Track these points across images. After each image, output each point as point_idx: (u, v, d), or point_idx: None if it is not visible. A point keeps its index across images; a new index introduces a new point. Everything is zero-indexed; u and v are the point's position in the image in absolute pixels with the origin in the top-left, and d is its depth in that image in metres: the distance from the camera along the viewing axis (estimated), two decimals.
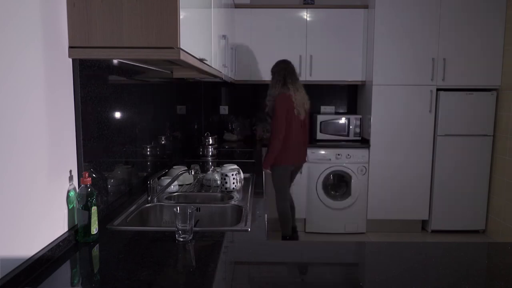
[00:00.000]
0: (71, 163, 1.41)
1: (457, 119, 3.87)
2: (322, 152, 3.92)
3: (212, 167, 2.68)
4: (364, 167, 3.95)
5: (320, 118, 4.13)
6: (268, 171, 3.33)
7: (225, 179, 2.13)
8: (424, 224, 4.14)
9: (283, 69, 3.32)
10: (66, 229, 1.37)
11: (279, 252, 1.35)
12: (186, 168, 2.21)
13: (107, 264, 1.21)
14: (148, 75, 2.32)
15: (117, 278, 1.11)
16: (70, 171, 1.40)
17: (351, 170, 3.94)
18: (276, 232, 4.05)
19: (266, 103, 3.35)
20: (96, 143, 1.59)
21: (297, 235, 3.72)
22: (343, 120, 4.13)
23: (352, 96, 4.51)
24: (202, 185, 2.32)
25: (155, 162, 2.43)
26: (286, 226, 3.50)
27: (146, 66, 2.23)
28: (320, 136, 4.13)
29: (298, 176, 3.92)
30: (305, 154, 3.52)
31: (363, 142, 4.08)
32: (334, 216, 4.01)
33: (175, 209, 1.40)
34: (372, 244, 1.64)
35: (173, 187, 2.16)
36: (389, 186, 3.99)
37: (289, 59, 4.06)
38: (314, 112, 4.48)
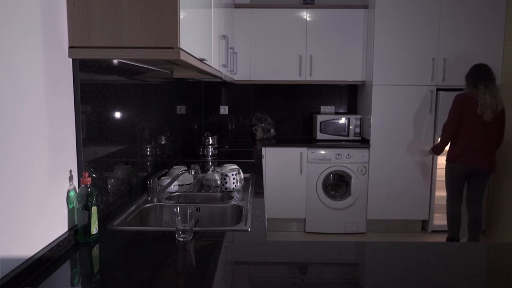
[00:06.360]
0: (71, 163, 1.41)
1: None
2: (322, 152, 3.92)
3: (212, 167, 2.68)
4: (364, 167, 3.95)
5: (320, 118, 4.13)
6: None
7: (225, 179, 2.13)
8: (424, 224, 4.14)
9: (474, 72, 3.29)
10: (66, 229, 1.37)
11: (279, 252, 1.35)
12: (186, 168, 2.21)
13: (107, 264, 1.21)
14: (148, 75, 2.32)
15: (117, 278, 1.11)
16: (70, 171, 1.40)
17: (351, 170, 3.94)
18: (274, 232, 4.05)
19: None
20: (96, 143, 1.59)
21: None
22: (343, 120, 4.13)
23: (352, 96, 4.51)
24: (202, 185, 2.32)
25: (155, 162, 2.43)
26: (451, 228, 3.45)
27: (146, 66, 2.23)
28: (320, 136, 4.14)
29: (299, 176, 3.93)
30: (490, 160, 3.26)
31: (363, 142, 4.08)
32: (334, 216, 4.01)
33: (175, 209, 1.40)
34: (372, 244, 1.64)
35: (173, 187, 2.16)
36: (389, 186, 3.99)
37: (289, 59, 4.09)
38: (314, 112, 4.49)
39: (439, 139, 3.47)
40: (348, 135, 4.13)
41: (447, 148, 3.44)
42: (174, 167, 2.45)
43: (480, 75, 3.23)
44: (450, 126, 3.30)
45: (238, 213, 1.83)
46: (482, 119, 3.19)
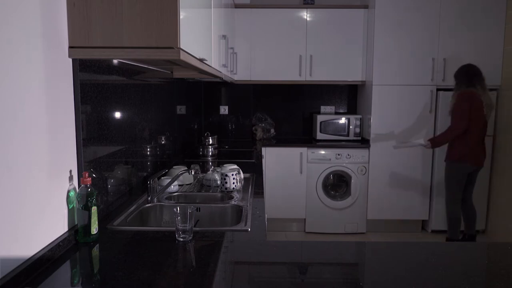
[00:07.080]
0: (71, 163, 1.41)
1: None
2: (322, 152, 3.92)
3: (212, 167, 2.68)
4: (364, 167, 3.95)
5: (320, 118, 4.13)
6: (429, 147, 3.40)
7: (225, 179, 2.13)
8: (424, 224, 4.14)
9: (467, 71, 3.29)
10: (66, 229, 1.37)
11: (279, 252, 1.35)
12: (186, 168, 2.21)
13: (107, 264, 1.21)
14: (148, 75, 2.32)
15: (117, 278, 1.11)
16: (70, 171, 1.40)
17: (351, 170, 3.94)
18: (274, 232, 4.05)
19: (450, 103, 3.34)
20: (96, 143, 1.59)
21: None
22: (343, 120, 4.13)
23: (352, 96, 4.51)
24: (202, 185, 2.32)
25: (155, 162, 2.43)
26: (452, 229, 3.43)
27: (146, 66, 2.23)
28: (320, 136, 4.14)
29: (299, 176, 3.93)
30: (484, 157, 3.34)
31: (363, 142, 4.08)
32: (334, 216, 4.01)
33: (175, 209, 1.40)
34: (372, 244, 1.64)
35: (173, 187, 2.16)
36: (389, 186, 3.99)
37: (289, 59, 4.09)
38: (314, 112, 4.49)
39: (446, 133, 3.31)
40: (348, 135, 4.13)
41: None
42: (174, 167, 2.45)
43: (473, 75, 3.26)
44: (462, 122, 3.17)
45: (238, 213, 1.83)
46: (484, 119, 3.25)
